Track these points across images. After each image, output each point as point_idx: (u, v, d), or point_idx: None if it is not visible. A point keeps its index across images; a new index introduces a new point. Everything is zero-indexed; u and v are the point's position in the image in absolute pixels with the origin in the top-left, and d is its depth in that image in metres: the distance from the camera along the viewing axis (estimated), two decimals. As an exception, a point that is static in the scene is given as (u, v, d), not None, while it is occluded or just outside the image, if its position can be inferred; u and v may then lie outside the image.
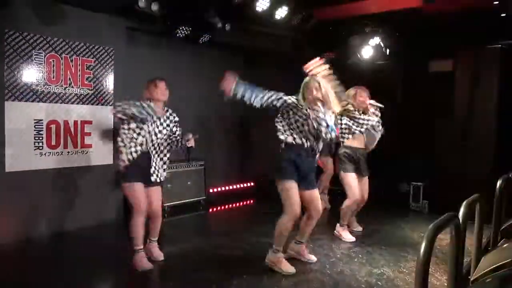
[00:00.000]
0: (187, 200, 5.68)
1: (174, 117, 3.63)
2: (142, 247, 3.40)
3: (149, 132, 3.35)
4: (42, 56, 4.27)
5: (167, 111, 3.59)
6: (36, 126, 4.25)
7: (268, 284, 3.22)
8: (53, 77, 4.38)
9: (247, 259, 3.76)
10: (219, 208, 5.93)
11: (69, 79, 4.50)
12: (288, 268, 3.40)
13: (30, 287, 3.16)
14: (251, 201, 6.37)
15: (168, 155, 3.56)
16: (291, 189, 3.31)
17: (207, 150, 6.37)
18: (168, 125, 3.54)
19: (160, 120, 3.46)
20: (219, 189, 6.47)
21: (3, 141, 4.01)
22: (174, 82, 5.84)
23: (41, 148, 4.29)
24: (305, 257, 3.69)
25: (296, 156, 3.33)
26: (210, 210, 5.79)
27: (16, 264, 3.60)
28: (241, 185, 6.83)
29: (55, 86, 4.40)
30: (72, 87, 4.52)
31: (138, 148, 3.32)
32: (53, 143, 4.39)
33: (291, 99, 3.34)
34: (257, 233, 4.49)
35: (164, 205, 5.38)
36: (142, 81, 5.22)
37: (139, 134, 3.31)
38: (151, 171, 3.41)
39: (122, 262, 3.57)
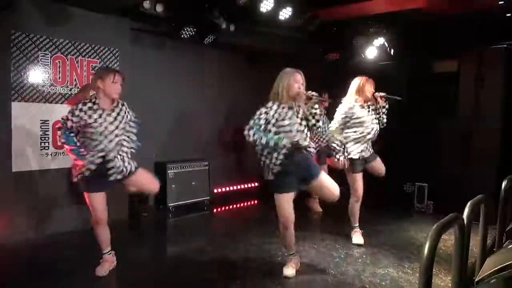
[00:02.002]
0: (191, 200, 5.71)
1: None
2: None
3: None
4: (48, 57, 4.31)
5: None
6: (42, 127, 4.29)
7: (272, 285, 3.22)
8: (59, 78, 4.41)
9: (251, 259, 3.77)
10: (223, 208, 5.94)
11: (75, 80, 4.53)
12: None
13: (41, 285, 3.19)
14: (255, 201, 6.38)
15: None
16: None
17: (211, 150, 6.40)
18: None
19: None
20: (223, 189, 6.49)
21: (10, 142, 4.05)
22: (178, 82, 5.92)
23: (47, 148, 4.33)
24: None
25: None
26: (214, 210, 5.81)
27: (22, 264, 3.63)
28: (245, 185, 6.84)
29: (61, 87, 4.43)
30: (78, 88, 4.54)
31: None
32: (59, 143, 4.41)
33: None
34: (261, 233, 4.50)
35: (169, 205, 5.42)
36: (147, 81, 5.30)
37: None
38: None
39: (130, 261, 3.60)
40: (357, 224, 4.31)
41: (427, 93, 6.16)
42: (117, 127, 3.19)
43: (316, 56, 6.22)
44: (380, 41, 5.62)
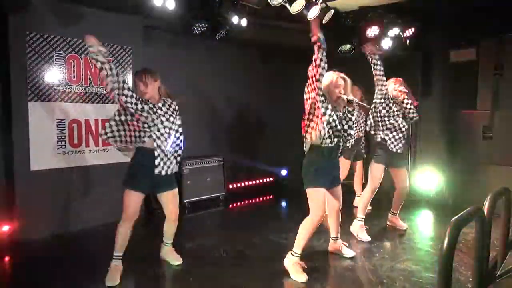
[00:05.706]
0: (206, 196, 5.73)
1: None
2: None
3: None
4: (62, 56, 4.36)
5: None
6: (58, 126, 4.35)
7: (289, 281, 3.21)
8: (74, 77, 4.46)
9: (266, 255, 3.76)
10: (238, 204, 5.95)
11: (89, 78, 4.58)
12: (299, 276, 3.22)
13: (56, 284, 3.24)
14: (271, 197, 6.36)
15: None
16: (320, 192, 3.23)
17: (226, 146, 6.40)
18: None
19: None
20: (238, 185, 6.50)
21: (28, 141, 4.12)
22: (192, 78, 5.93)
23: (64, 147, 4.39)
24: (344, 252, 3.69)
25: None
26: (230, 206, 5.82)
27: (41, 261, 3.70)
28: (260, 181, 6.83)
29: (76, 86, 4.48)
30: (92, 86, 4.60)
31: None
32: (75, 141, 4.48)
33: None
34: (277, 229, 4.48)
35: (184, 201, 5.46)
36: (161, 78, 5.31)
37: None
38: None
39: (146, 257, 3.63)
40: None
41: (444, 83, 6.03)
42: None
43: (329, 49, 6.13)
44: (394, 31, 5.50)
